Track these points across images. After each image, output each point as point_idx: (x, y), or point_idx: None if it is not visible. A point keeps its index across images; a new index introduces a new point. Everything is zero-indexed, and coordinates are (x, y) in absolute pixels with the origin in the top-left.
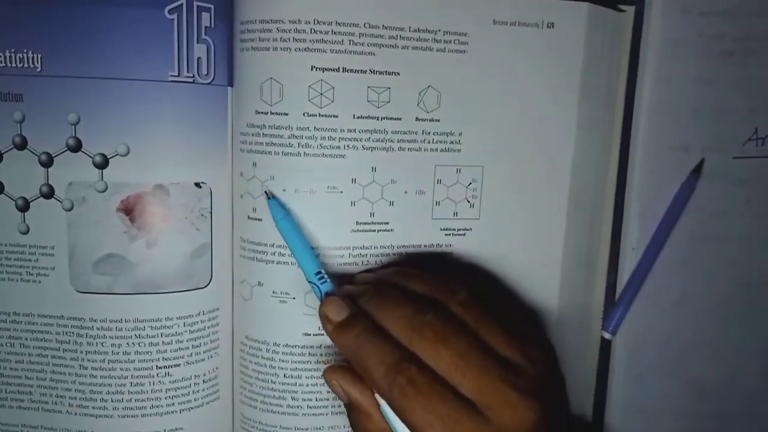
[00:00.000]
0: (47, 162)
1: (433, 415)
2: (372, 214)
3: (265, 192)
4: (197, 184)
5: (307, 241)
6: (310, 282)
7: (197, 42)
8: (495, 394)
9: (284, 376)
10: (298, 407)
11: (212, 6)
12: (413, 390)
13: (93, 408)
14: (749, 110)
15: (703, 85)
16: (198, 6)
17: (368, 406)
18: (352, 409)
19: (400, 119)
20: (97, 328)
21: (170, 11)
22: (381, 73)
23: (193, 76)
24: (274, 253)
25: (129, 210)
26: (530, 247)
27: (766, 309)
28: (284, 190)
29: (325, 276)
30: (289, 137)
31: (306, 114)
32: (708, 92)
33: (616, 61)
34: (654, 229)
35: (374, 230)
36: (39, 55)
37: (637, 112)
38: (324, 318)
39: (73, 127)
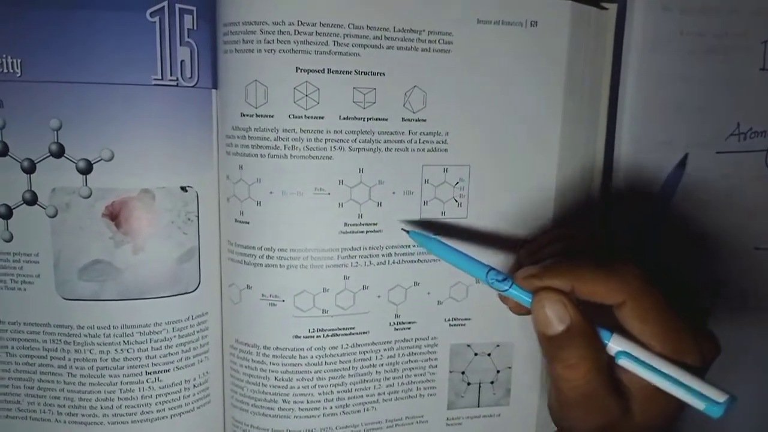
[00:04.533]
0: (30, 168)
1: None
2: (360, 215)
3: (403, 229)
4: (183, 188)
5: (459, 251)
6: (489, 284)
7: (180, 45)
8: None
9: (275, 378)
10: (289, 410)
11: (194, 8)
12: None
13: (82, 416)
14: (731, 105)
15: (686, 82)
16: (180, 8)
17: (585, 329)
18: (561, 338)
19: (387, 120)
20: (85, 335)
21: (152, 14)
22: (366, 73)
23: (177, 80)
24: (262, 256)
25: (114, 215)
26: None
27: None
28: (271, 193)
29: (499, 271)
30: (275, 139)
31: (291, 116)
32: (690, 88)
33: (600, 59)
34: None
35: (363, 231)
36: (19, 60)
37: (621, 108)
38: (544, 323)
39: (56, 132)
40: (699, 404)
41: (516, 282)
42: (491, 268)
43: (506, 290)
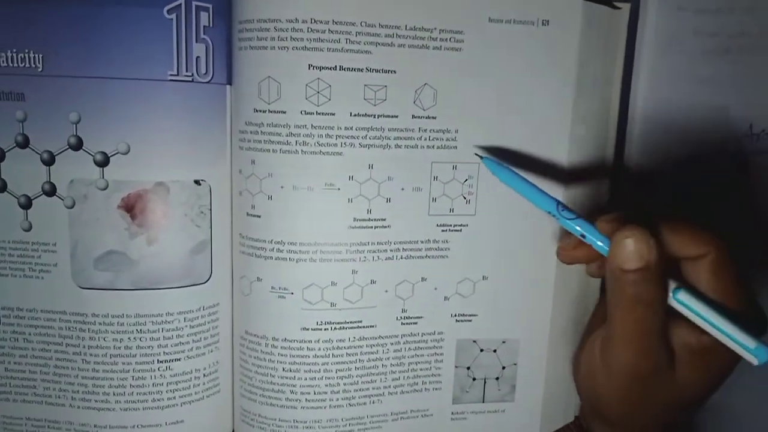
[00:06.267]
0: (49, 160)
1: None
2: (369, 211)
3: (477, 154)
4: (197, 182)
5: (531, 182)
6: (557, 217)
7: (196, 41)
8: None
9: (283, 369)
10: (296, 400)
11: (211, 5)
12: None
13: (95, 401)
14: (744, 106)
15: (699, 82)
16: (197, 5)
17: (659, 272)
18: (640, 273)
19: (397, 117)
20: (99, 323)
21: (169, 11)
22: (377, 71)
23: (192, 75)
24: (272, 249)
25: (130, 207)
26: (525, 243)
27: None
28: (282, 187)
29: (567, 206)
30: (287, 135)
31: (303, 112)
32: (703, 89)
33: (612, 59)
34: None
35: (371, 227)
36: (40, 55)
37: (632, 108)
38: (626, 257)
39: (74, 125)
40: (749, 343)
41: (598, 224)
42: (560, 202)
43: (573, 219)
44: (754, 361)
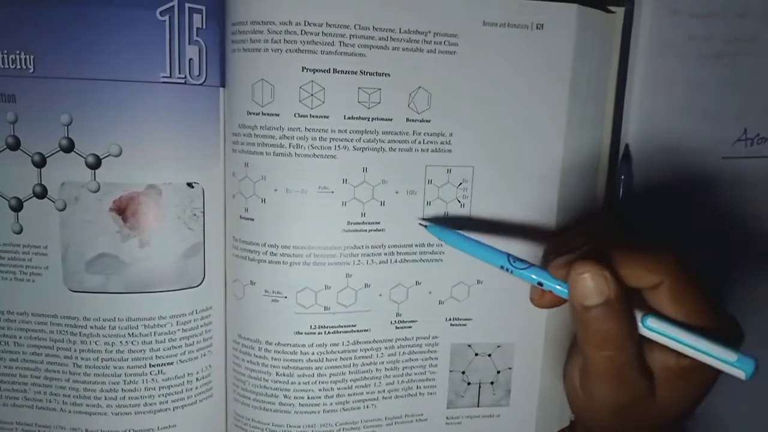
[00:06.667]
0: (40, 162)
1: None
2: (363, 214)
3: (420, 224)
4: (189, 185)
5: (478, 241)
6: (510, 271)
7: (189, 43)
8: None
9: (276, 374)
10: (290, 405)
11: (204, 7)
12: None
13: (87, 406)
14: (738, 111)
15: (693, 86)
16: (190, 7)
17: (621, 304)
18: (602, 308)
19: (391, 120)
20: (91, 327)
21: (162, 12)
22: (371, 74)
23: (185, 77)
24: (265, 253)
25: (121, 210)
26: (521, 247)
27: None
28: (276, 190)
29: (517, 257)
30: (280, 138)
31: (297, 115)
32: (697, 93)
33: (606, 62)
34: None
35: (365, 230)
36: (31, 56)
37: (626, 113)
38: (584, 294)
39: (66, 127)
40: (730, 357)
41: (550, 270)
42: (510, 255)
43: (526, 268)
44: (742, 375)
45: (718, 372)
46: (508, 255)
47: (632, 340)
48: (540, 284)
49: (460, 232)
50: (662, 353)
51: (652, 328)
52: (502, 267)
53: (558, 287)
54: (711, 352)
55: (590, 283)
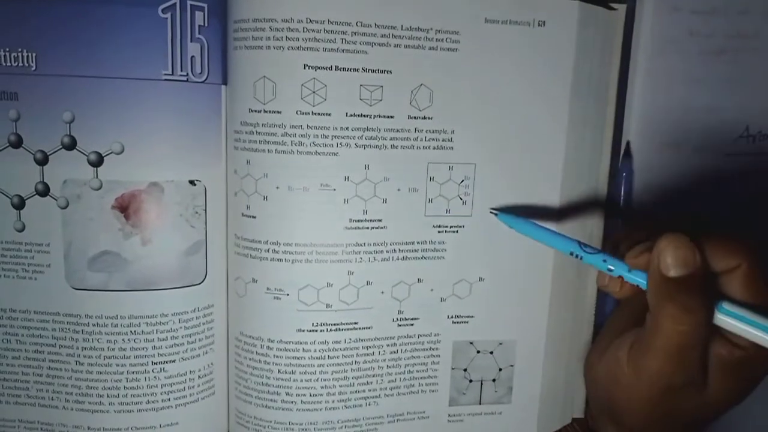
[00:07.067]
0: (42, 160)
1: None
2: (365, 212)
3: (491, 212)
4: (192, 182)
5: (548, 228)
6: (580, 257)
7: (191, 41)
8: None
9: (278, 371)
10: (292, 402)
11: (206, 5)
12: None
13: (89, 403)
14: (740, 107)
15: (695, 83)
16: (192, 5)
17: (704, 281)
18: (684, 281)
19: (393, 117)
20: (93, 325)
21: (164, 10)
22: (373, 71)
23: (187, 75)
24: (267, 250)
25: (124, 207)
26: (522, 245)
27: None
28: (278, 188)
29: (588, 244)
30: (282, 135)
31: (299, 112)
32: (699, 90)
33: (608, 59)
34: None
35: (367, 227)
36: (34, 54)
37: (628, 110)
38: (670, 264)
39: (68, 125)
40: None
41: (627, 259)
42: (581, 242)
43: (595, 254)
44: None
45: (767, 368)
46: (579, 241)
47: (708, 322)
48: (610, 270)
49: (530, 219)
50: (717, 344)
51: (728, 311)
52: (571, 253)
53: (627, 273)
54: None
55: (679, 253)
